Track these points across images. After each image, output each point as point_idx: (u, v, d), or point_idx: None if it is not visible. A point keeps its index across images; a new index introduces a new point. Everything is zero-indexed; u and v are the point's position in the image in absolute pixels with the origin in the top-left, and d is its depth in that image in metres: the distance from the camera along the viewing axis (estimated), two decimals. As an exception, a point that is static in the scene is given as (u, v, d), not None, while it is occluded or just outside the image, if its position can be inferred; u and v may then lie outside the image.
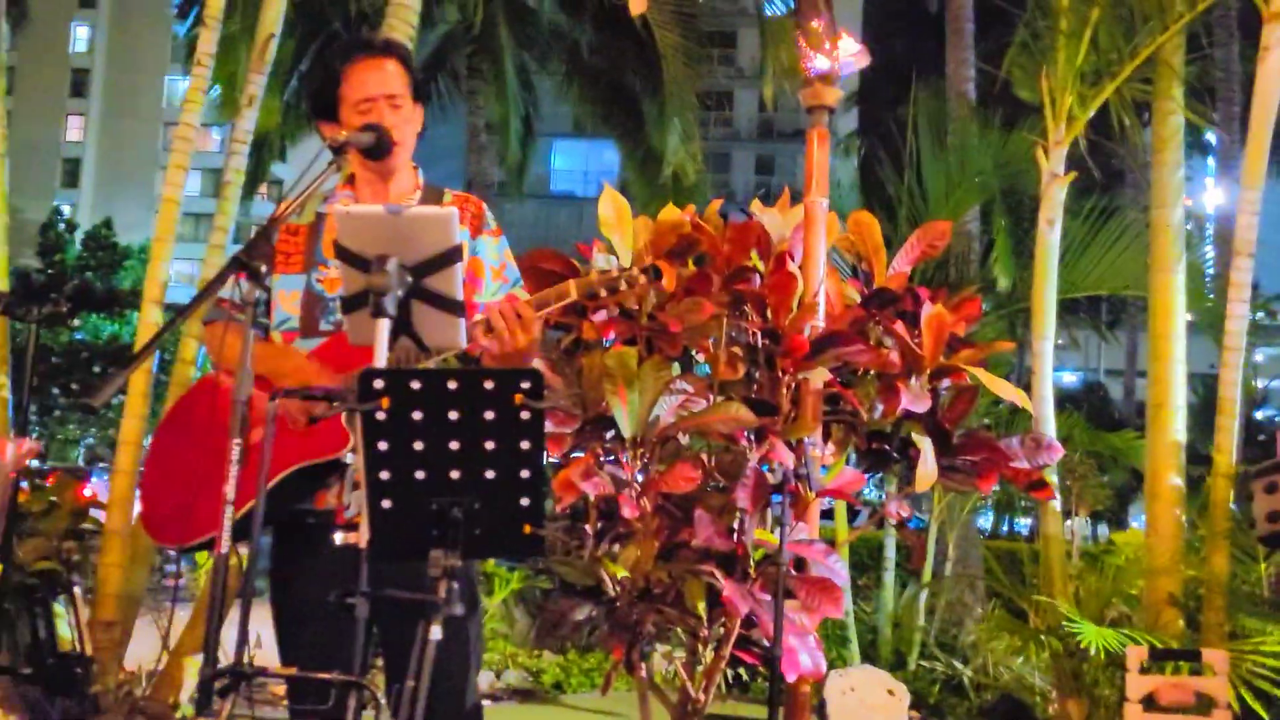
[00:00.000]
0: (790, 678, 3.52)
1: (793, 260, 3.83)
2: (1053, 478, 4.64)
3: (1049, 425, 5.09)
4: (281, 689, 4.72)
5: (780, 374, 3.77)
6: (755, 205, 3.91)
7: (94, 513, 4.76)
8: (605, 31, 13.52)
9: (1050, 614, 4.86)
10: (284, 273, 2.48)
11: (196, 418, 2.41)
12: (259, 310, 2.19)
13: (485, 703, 3.23)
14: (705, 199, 5.65)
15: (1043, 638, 4.78)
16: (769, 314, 3.76)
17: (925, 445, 3.79)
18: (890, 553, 7.53)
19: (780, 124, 42.67)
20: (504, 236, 2.61)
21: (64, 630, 4.48)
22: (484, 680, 6.28)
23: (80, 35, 52.30)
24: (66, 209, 41.67)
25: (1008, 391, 3.94)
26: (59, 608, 4.34)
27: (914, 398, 3.73)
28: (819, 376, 3.79)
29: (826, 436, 3.94)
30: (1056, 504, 5.19)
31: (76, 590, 4.34)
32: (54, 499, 4.34)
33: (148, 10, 50.46)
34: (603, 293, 2.40)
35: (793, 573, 3.50)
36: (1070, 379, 32.19)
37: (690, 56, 10.78)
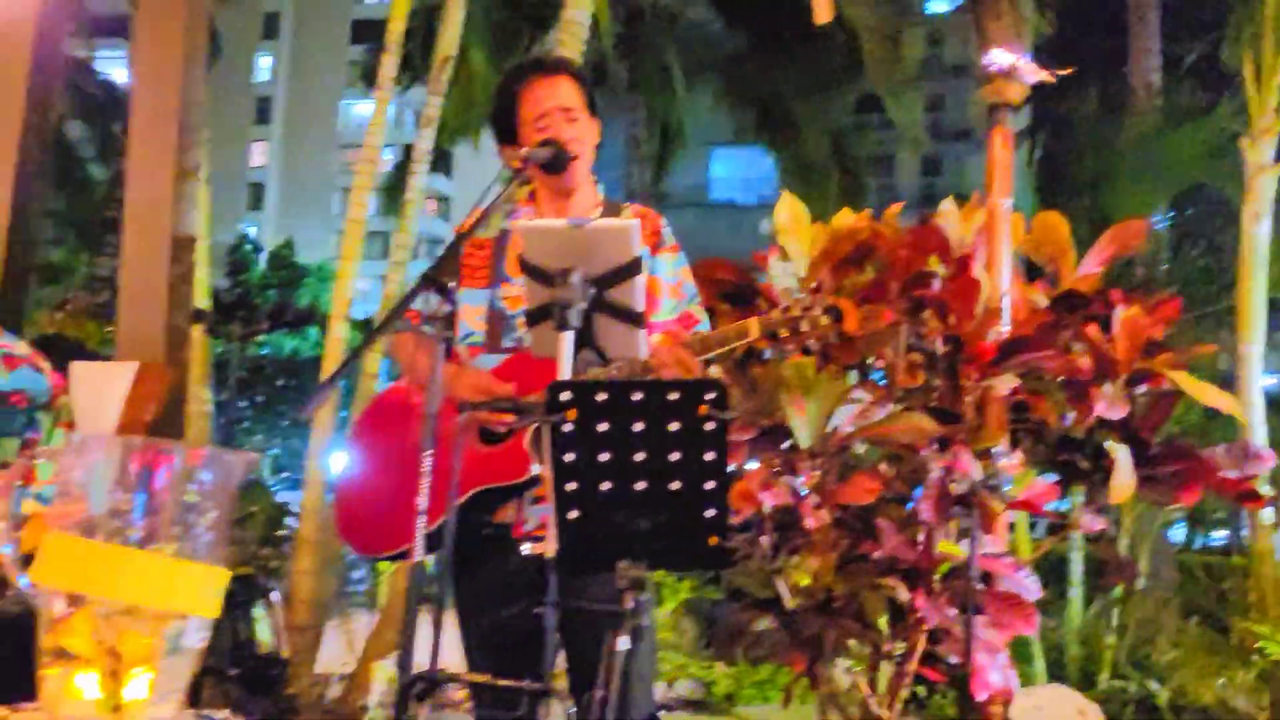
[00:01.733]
0: (980, 696, 3.39)
1: (974, 264, 3.70)
2: (1265, 488, 4.34)
3: (1260, 432, 4.77)
4: (462, 694, 4.84)
5: (963, 381, 3.63)
6: (949, 203, 3.77)
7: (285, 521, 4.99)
8: (762, 39, 13.46)
9: (1260, 633, 4.54)
10: (469, 286, 2.50)
11: (391, 430, 2.46)
12: (445, 324, 2.23)
13: (659, 712, 3.21)
14: (868, 203, 5.53)
15: (1254, 659, 4.47)
16: (950, 320, 3.63)
17: (1121, 455, 3.59)
18: (1076, 566, 7.18)
19: (948, 124, 41.41)
20: (681, 252, 2.57)
21: (259, 634, 4.69)
22: (656, 690, 6.27)
23: (263, 65, 55.14)
24: (252, 231, 44.04)
25: (1215, 397, 3.69)
26: (257, 611, 4.54)
27: (1109, 404, 3.54)
28: (1005, 384, 3.63)
29: (1013, 446, 3.78)
30: (1268, 516, 4.85)
31: (274, 595, 4.53)
32: (252, 508, 4.55)
33: (324, 37, 52.82)
34: (784, 332, 2.35)
35: (980, 587, 3.36)
36: (1267, 383, 30.22)
37: (885, 34, 10.66)
